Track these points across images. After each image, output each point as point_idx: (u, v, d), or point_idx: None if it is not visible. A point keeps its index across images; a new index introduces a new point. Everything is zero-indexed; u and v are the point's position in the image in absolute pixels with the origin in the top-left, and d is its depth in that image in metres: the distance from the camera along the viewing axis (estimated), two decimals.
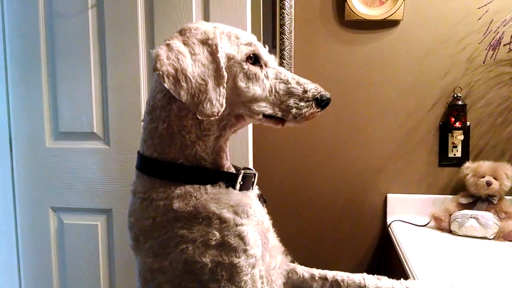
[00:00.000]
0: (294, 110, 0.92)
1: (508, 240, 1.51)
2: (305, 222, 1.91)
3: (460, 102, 1.73)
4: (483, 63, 1.72)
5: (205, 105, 0.84)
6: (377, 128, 1.84)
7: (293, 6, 1.79)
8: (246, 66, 0.90)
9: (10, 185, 1.66)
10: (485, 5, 1.66)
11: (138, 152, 0.97)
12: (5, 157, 1.65)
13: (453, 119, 1.74)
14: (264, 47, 0.97)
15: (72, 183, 1.61)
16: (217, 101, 0.85)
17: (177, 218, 0.87)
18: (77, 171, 1.60)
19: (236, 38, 0.92)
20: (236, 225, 0.87)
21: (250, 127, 1.48)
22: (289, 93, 0.93)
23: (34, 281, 1.67)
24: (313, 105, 0.92)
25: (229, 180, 0.94)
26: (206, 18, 1.47)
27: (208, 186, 0.91)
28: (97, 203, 1.60)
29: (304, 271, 1.14)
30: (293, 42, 1.81)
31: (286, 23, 1.79)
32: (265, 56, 0.94)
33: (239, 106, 0.92)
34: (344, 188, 1.88)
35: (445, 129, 1.79)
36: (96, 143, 1.59)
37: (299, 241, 1.92)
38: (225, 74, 0.86)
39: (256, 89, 0.91)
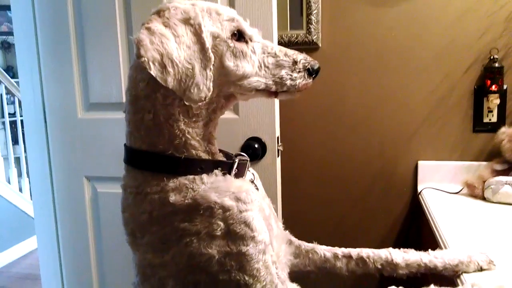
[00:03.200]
0: (288, 82, 0.92)
1: None
2: (333, 191, 1.90)
3: (496, 64, 1.65)
4: None
5: (192, 90, 0.79)
6: (409, 94, 1.79)
7: None
8: (232, 43, 0.87)
9: (46, 155, 1.72)
10: None
11: (125, 145, 0.94)
12: (40, 129, 1.71)
13: (489, 82, 1.66)
14: (246, 21, 0.93)
15: (104, 152, 1.65)
16: (204, 85, 0.81)
17: (175, 212, 0.84)
18: (108, 141, 1.63)
19: (217, 14, 0.87)
20: (241, 212, 0.84)
21: None
22: (280, 66, 0.92)
23: (72, 247, 1.75)
24: (305, 75, 0.92)
25: (224, 168, 0.91)
26: None
27: (204, 176, 0.87)
28: None
29: (325, 250, 1.12)
30: (320, 6, 1.76)
31: None
32: (248, 30, 0.92)
33: (229, 86, 0.90)
34: (374, 156, 1.85)
35: (480, 93, 1.72)
36: None
37: (326, 212, 1.92)
38: (211, 55, 0.82)
39: (245, 66, 0.89)
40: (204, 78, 0.81)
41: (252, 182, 1.00)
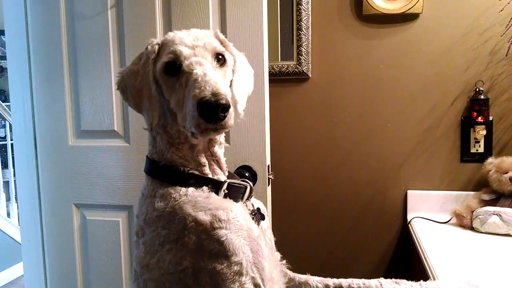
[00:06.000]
0: (187, 125, 0.85)
1: None
2: (324, 220, 1.91)
3: (482, 96, 1.69)
4: (506, 56, 1.68)
5: (144, 115, 0.94)
6: (397, 124, 1.82)
7: (310, 1, 1.78)
8: (164, 76, 0.90)
9: (35, 182, 1.71)
10: None
11: None
12: (30, 156, 1.70)
13: (475, 114, 1.70)
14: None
15: (94, 180, 1.64)
16: (149, 112, 0.92)
17: (159, 217, 0.88)
18: (98, 169, 1.63)
19: (169, 46, 0.90)
20: (214, 229, 0.84)
21: (267, 124, 1.48)
22: (191, 103, 0.82)
23: (59, 274, 1.71)
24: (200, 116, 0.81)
25: (213, 186, 0.94)
26: (223, 15, 1.48)
27: (190, 189, 0.90)
28: (118, 199, 1.64)
29: (317, 282, 1.11)
30: (310, 38, 1.80)
31: (303, 19, 1.78)
32: (189, 60, 0.87)
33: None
34: (364, 185, 1.86)
35: (467, 124, 1.75)
36: (117, 141, 1.62)
37: (318, 240, 1.91)
38: (152, 86, 0.91)
39: (173, 100, 0.90)
40: (149, 106, 0.92)
41: (254, 212, 0.99)
